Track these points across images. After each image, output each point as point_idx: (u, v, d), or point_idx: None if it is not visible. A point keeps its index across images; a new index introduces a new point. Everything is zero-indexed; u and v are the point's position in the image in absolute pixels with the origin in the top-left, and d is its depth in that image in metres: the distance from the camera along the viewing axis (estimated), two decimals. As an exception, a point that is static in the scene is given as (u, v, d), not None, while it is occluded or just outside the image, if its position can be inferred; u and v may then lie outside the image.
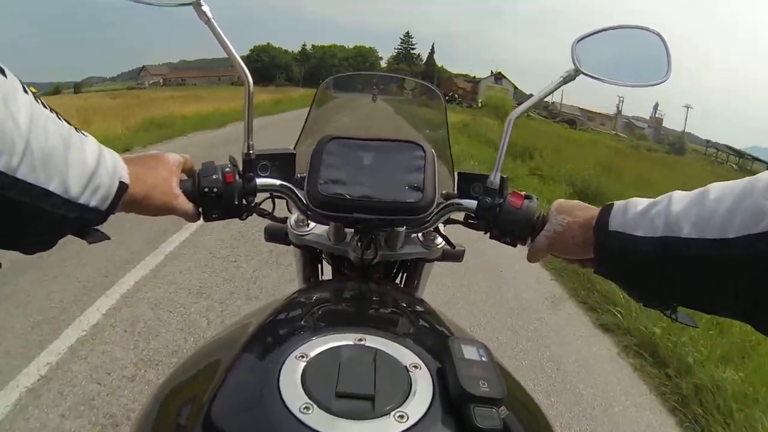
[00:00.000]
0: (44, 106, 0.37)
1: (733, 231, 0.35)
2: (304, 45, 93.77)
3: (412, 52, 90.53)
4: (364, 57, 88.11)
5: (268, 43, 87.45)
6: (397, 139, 0.71)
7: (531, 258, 0.62)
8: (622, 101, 58.61)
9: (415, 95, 1.06)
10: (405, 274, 0.85)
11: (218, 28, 0.58)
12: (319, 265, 0.87)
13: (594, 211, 0.53)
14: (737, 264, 0.35)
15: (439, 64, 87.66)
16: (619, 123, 59.79)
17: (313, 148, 0.69)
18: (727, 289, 0.37)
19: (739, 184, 0.38)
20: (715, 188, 0.39)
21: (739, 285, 0.36)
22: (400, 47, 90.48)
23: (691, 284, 0.41)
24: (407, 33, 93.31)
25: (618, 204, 0.49)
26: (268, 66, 79.26)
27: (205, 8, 0.56)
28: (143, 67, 78.17)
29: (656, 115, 63.91)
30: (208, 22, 0.57)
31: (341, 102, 0.97)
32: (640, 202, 0.47)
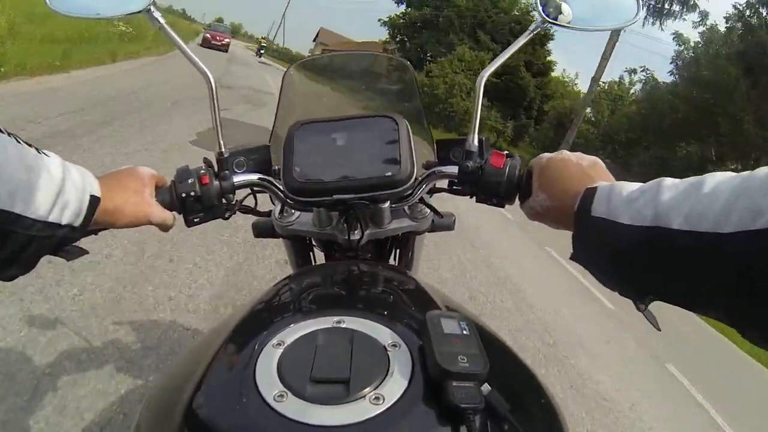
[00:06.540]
0: (2, 131, 0.38)
1: (729, 227, 0.34)
2: None
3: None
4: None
5: None
6: (368, 114, 0.69)
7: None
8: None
9: (384, 69, 1.04)
10: (398, 251, 0.84)
11: (171, 31, 0.61)
12: (311, 253, 0.87)
13: (577, 188, 0.49)
14: (733, 259, 0.34)
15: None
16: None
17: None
18: (718, 285, 0.36)
19: (735, 179, 0.36)
20: (709, 181, 0.37)
21: (733, 280, 0.34)
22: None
23: (677, 277, 0.39)
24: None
25: (603, 187, 0.46)
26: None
27: (156, 14, 0.59)
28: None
29: None
30: (161, 27, 0.61)
31: (310, 87, 0.95)
32: (626, 187, 0.44)
